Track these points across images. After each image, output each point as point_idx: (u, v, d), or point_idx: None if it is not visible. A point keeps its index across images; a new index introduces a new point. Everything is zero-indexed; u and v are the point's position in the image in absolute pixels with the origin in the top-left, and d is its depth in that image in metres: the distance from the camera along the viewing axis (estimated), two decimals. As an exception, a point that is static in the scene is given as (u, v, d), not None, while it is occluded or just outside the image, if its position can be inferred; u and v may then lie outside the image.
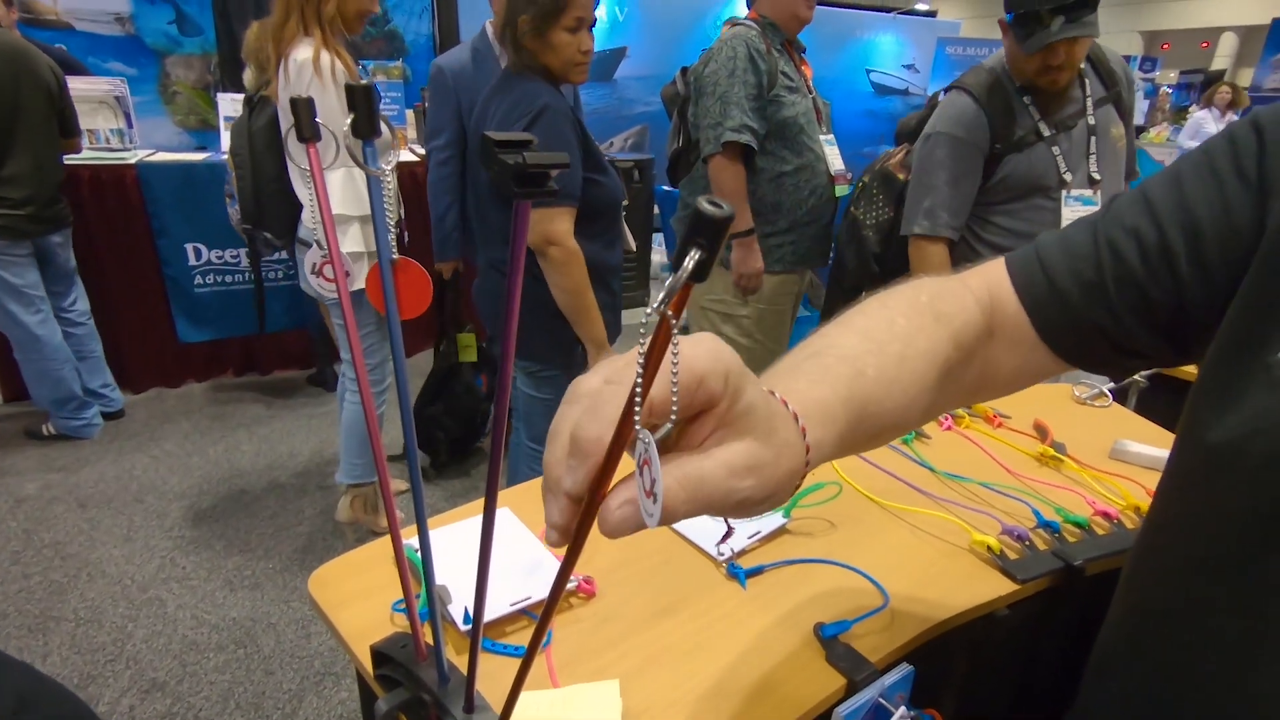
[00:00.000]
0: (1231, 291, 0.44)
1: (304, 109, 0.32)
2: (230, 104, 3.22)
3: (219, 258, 3.15)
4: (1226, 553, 0.44)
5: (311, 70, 1.65)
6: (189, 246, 3.07)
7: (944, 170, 1.63)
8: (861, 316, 0.47)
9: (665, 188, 4.55)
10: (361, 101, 0.30)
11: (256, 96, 1.98)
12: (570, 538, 0.30)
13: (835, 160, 2.03)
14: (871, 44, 6.41)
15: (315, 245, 0.44)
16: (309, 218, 1.89)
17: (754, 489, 0.30)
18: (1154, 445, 0.99)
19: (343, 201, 1.75)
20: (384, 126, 0.34)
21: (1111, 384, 1.16)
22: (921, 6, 7.35)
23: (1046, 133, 1.60)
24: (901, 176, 1.83)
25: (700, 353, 0.28)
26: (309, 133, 0.37)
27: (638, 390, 0.23)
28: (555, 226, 1.49)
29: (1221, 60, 13.30)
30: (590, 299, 1.56)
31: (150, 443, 2.81)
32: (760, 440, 0.31)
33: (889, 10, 6.82)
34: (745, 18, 2.03)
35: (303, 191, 1.88)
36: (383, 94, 3.90)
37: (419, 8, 5.00)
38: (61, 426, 2.75)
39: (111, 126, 3.08)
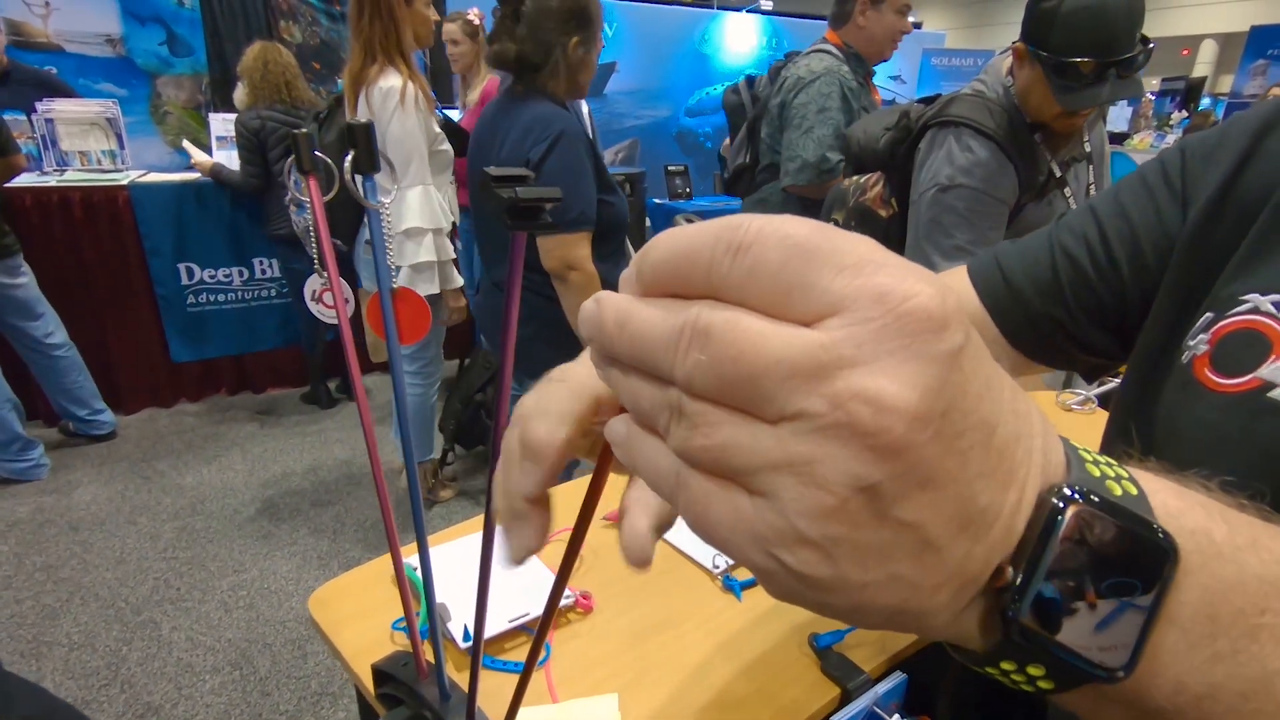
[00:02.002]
0: None
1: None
2: (222, 123, 3.24)
3: (211, 277, 3.15)
4: None
5: (396, 98, 1.82)
6: (181, 266, 3.08)
7: (966, 228, 1.40)
8: None
9: (656, 200, 4.59)
10: (361, 139, 0.31)
11: (324, 112, 2.16)
12: (529, 556, 0.27)
13: None
14: (858, 56, 6.48)
15: (315, 274, 0.45)
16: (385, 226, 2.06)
17: None
18: (1140, 451, 1.01)
19: (420, 215, 1.90)
20: (383, 162, 0.35)
21: (1095, 390, 1.18)
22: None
23: (1058, 174, 1.46)
24: (884, 213, 1.64)
25: None
26: (308, 165, 0.39)
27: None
28: (577, 251, 1.48)
29: (1202, 68, 13.51)
30: None
31: (143, 463, 2.80)
32: None
33: (874, 23, 6.90)
34: (825, 40, 2.06)
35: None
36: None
37: (409, 26, 5.04)
38: (5, 470, 2.59)
39: (103, 148, 3.09)
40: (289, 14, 4.75)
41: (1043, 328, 0.53)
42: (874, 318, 0.16)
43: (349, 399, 3.38)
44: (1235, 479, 0.24)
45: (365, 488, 2.66)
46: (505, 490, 0.27)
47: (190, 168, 3.08)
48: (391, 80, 1.84)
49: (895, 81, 6.71)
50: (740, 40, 5.98)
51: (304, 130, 0.38)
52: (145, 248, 2.99)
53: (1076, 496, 0.19)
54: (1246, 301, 0.40)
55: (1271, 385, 0.38)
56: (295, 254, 2.96)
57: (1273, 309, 0.39)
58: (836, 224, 1.77)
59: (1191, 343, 0.43)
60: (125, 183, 2.94)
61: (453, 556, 0.78)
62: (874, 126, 1.70)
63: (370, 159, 0.32)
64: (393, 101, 1.82)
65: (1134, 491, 0.20)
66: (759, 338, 0.16)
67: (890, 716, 0.56)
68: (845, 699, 0.59)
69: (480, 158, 1.63)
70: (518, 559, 0.28)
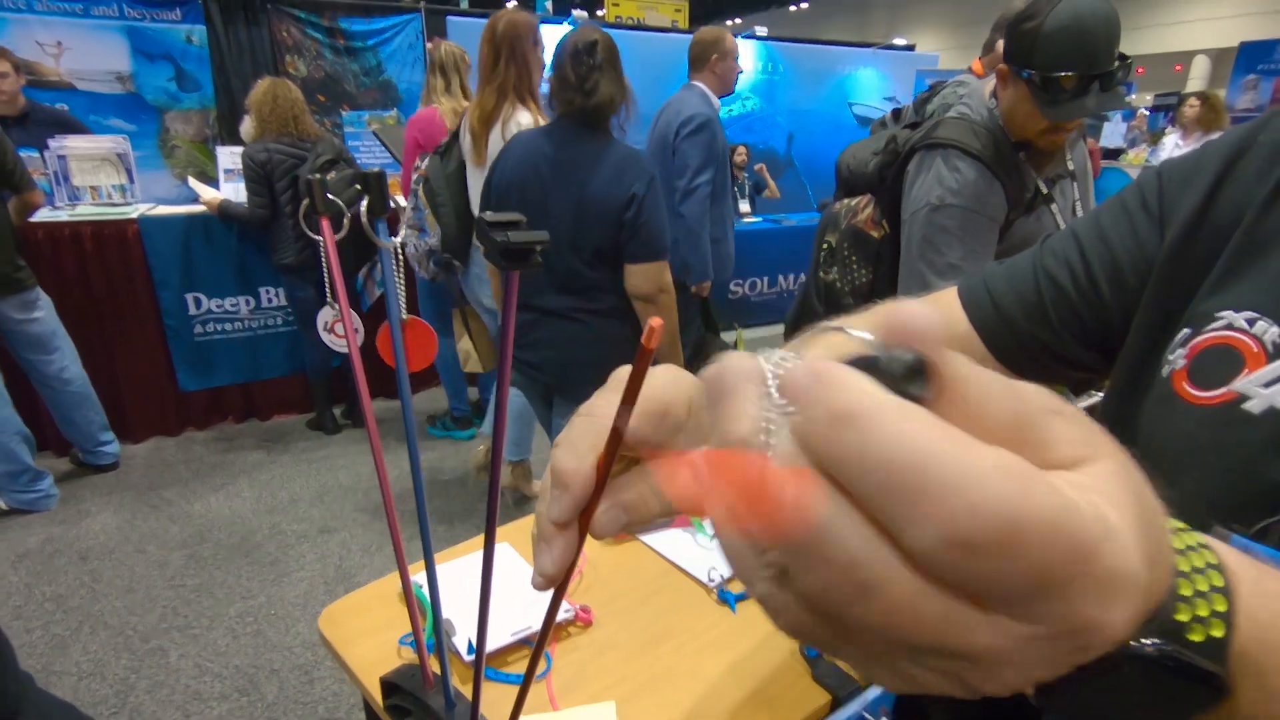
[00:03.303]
0: None
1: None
2: (229, 157, 3.31)
3: (219, 306, 3.21)
4: None
5: None
6: (189, 296, 3.14)
7: (959, 245, 1.42)
8: (819, 334, 0.52)
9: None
10: (375, 186, 0.35)
11: (443, 146, 2.37)
12: (555, 584, 0.31)
13: None
14: (853, 78, 6.59)
15: (329, 306, 0.49)
16: None
17: None
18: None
19: None
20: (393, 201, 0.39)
21: (1080, 404, 1.20)
22: (899, 41, 7.58)
23: (1045, 191, 1.49)
24: (875, 234, 1.68)
25: (663, 383, 0.31)
26: (321, 208, 0.42)
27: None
28: (666, 276, 1.66)
29: (1195, 83, 13.65)
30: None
31: (151, 492, 2.82)
32: None
33: (868, 45, 7.02)
34: (969, 71, 2.14)
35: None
36: (377, 142, 4.02)
37: (412, 57, 5.16)
38: (15, 500, 2.61)
39: (113, 182, 3.16)
40: (294, 49, 4.87)
41: (1029, 347, 0.56)
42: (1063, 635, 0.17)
43: (354, 425, 3.41)
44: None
45: (370, 514, 2.68)
46: (537, 516, 0.30)
47: (197, 200, 3.15)
48: (525, 116, 2.08)
49: (890, 102, 6.81)
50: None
51: (318, 176, 0.41)
52: (154, 279, 3.05)
53: (1151, 649, 0.20)
54: (1221, 318, 0.43)
55: (1245, 398, 0.40)
56: (301, 283, 3.01)
57: (1245, 325, 0.41)
58: (830, 245, 1.81)
59: (1171, 357, 0.45)
60: (135, 216, 3.00)
61: (456, 574, 0.80)
62: (862, 152, 1.75)
63: (383, 204, 0.35)
64: None
65: (1220, 634, 0.21)
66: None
67: (879, 721, 0.58)
68: (836, 705, 0.62)
69: (537, 190, 1.69)
70: (539, 584, 0.31)
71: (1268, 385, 0.39)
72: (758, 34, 6.22)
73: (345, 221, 0.45)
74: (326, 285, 0.44)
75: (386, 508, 0.50)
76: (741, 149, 5.19)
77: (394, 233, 0.46)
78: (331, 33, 4.90)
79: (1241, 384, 0.40)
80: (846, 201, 1.81)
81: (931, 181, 1.45)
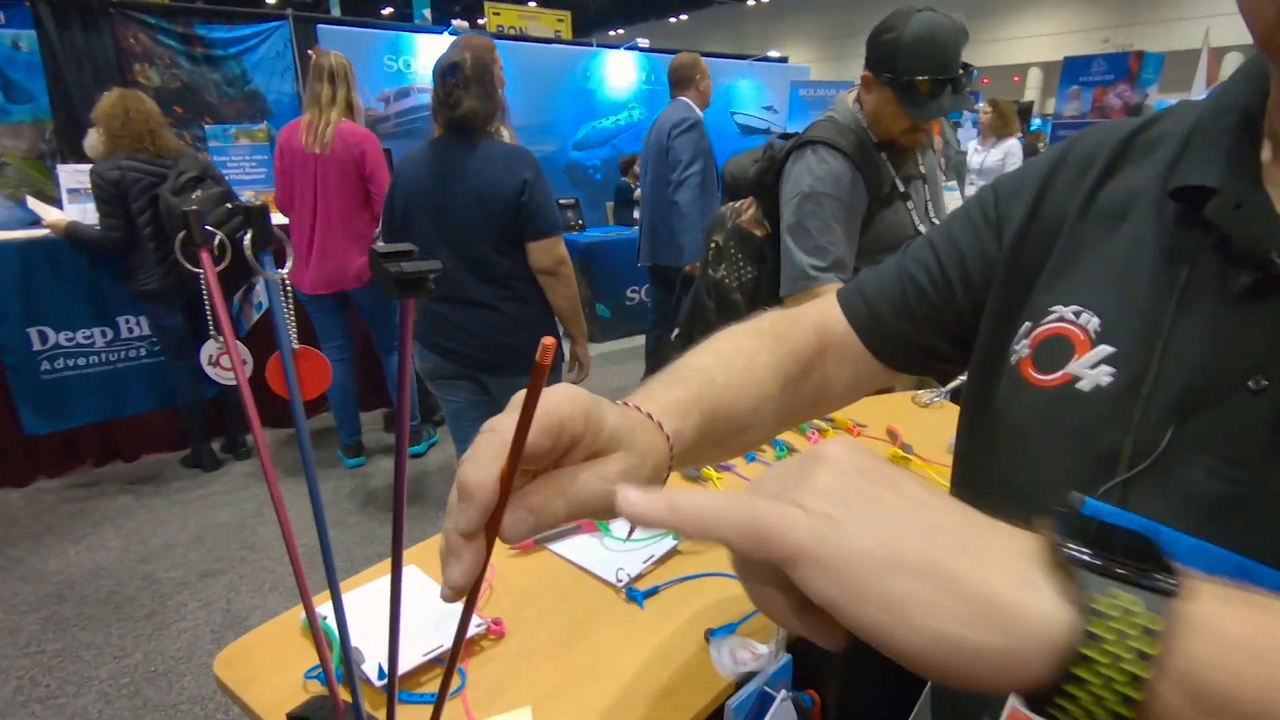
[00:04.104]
0: None
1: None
2: (72, 175, 3.01)
3: (69, 340, 2.90)
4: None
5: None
6: (33, 331, 2.82)
7: (826, 229, 1.57)
8: (713, 341, 0.57)
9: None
10: (257, 219, 0.35)
11: None
12: (464, 595, 0.33)
13: None
14: (733, 88, 6.89)
15: (212, 339, 0.47)
16: None
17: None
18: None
19: None
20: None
21: (945, 389, 1.34)
22: (773, 54, 7.98)
23: (902, 188, 1.64)
24: (758, 233, 1.79)
25: (559, 399, 0.34)
26: (199, 239, 0.42)
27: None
28: (562, 250, 1.87)
29: (1031, 92, 15.24)
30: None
31: (-5, 551, 2.52)
32: (627, 450, 0.38)
33: (745, 57, 7.36)
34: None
35: None
36: (247, 157, 3.78)
37: (280, 67, 4.89)
38: None
39: (-70, 206, 2.80)
40: (144, 57, 4.49)
41: (899, 343, 0.63)
42: None
43: (235, 459, 3.19)
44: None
45: (259, 551, 2.52)
46: (444, 530, 0.32)
47: (37, 223, 2.84)
48: (504, 132, 2.24)
49: (769, 111, 7.15)
50: (620, 76, 6.20)
51: (195, 208, 0.41)
52: (-12, 313, 2.73)
53: None
54: (1054, 312, 0.50)
55: (1077, 378, 0.47)
56: (165, 310, 2.79)
57: (1072, 316, 0.49)
58: (717, 245, 1.92)
59: (1016, 347, 0.52)
60: (-40, 244, 2.68)
61: (360, 601, 0.78)
62: (744, 160, 1.90)
63: (266, 236, 0.35)
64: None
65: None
66: None
67: (778, 694, 0.63)
68: (740, 684, 0.66)
69: (435, 196, 1.86)
70: (448, 596, 0.33)
71: (1093, 367, 0.47)
72: (640, 46, 6.36)
73: (227, 254, 0.44)
74: (209, 316, 0.43)
75: (286, 538, 0.49)
76: (635, 158, 5.29)
77: (280, 264, 0.45)
78: (187, 40, 4.56)
79: (1073, 367, 0.48)
80: (731, 204, 1.93)
81: (803, 172, 1.61)
